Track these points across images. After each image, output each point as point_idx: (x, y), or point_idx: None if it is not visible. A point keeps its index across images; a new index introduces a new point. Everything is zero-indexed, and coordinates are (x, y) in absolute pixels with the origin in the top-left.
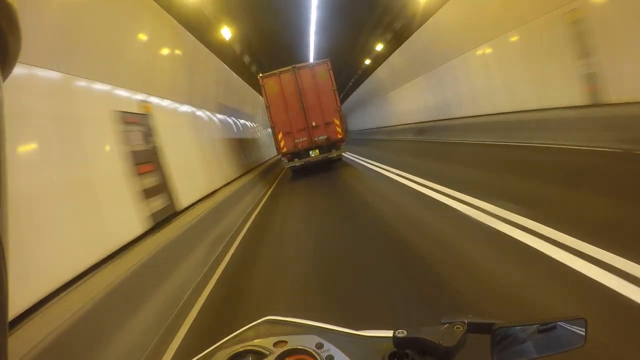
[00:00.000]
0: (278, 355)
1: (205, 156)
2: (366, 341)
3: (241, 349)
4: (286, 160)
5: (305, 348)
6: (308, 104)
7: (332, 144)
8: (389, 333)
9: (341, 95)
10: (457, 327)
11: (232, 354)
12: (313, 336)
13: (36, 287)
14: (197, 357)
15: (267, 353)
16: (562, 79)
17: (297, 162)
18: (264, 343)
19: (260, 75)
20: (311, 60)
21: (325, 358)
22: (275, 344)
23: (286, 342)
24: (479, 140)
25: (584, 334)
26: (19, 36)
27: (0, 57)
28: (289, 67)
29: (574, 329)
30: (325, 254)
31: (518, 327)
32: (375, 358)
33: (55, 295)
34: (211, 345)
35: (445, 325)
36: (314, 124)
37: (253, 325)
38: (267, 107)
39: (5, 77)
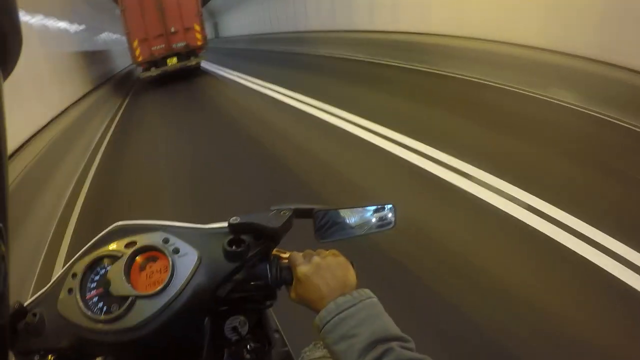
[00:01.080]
0: (130, 254)
1: None
2: (207, 232)
3: (96, 256)
4: (142, 70)
5: (153, 244)
6: (166, 8)
7: (191, 51)
8: (226, 223)
9: None
10: (283, 212)
11: (89, 262)
12: (160, 233)
13: None
14: (58, 275)
15: (120, 255)
16: None
17: (153, 72)
18: (116, 246)
19: None
20: None
21: (172, 250)
22: (126, 246)
23: (135, 242)
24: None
25: (393, 217)
26: (19, 36)
27: (0, 57)
28: None
29: (384, 213)
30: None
31: (337, 211)
32: (217, 245)
33: None
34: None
35: (274, 211)
36: (172, 29)
37: (103, 234)
38: (121, 11)
39: (5, 77)
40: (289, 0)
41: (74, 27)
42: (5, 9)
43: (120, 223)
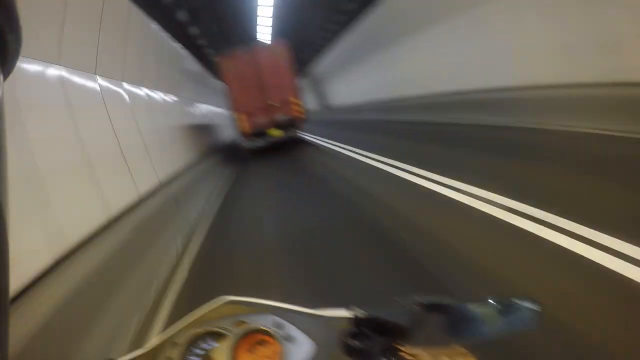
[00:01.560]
0: (239, 335)
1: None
2: (324, 320)
3: (200, 331)
4: (246, 140)
5: (265, 328)
6: (266, 84)
7: (291, 123)
8: (346, 313)
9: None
10: (414, 307)
11: (191, 336)
12: (272, 316)
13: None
14: (156, 339)
15: (227, 334)
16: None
17: (256, 142)
18: (223, 324)
19: (219, 56)
20: (269, 41)
21: (285, 337)
22: (235, 324)
23: (245, 322)
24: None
25: (537, 314)
26: (19, 35)
27: (0, 57)
28: (247, 48)
29: (527, 309)
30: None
31: (473, 306)
32: (333, 337)
33: None
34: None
35: (403, 305)
36: (272, 103)
37: (210, 307)
38: (227, 88)
39: (5, 77)
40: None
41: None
42: (5, 9)
43: (229, 298)
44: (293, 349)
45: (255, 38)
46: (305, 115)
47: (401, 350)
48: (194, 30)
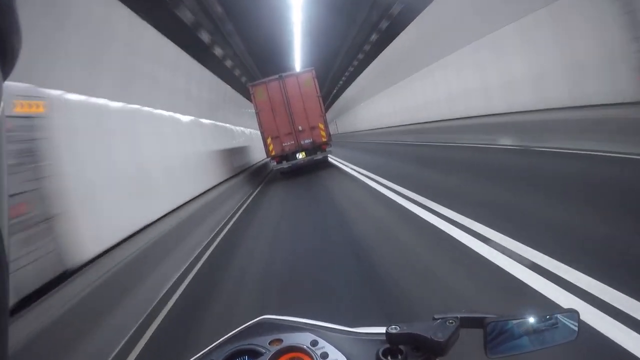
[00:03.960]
0: (273, 354)
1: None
2: (360, 338)
3: (237, 349)
4: (275, 163)
5: (301, 346)
6: (294, 110)
7: (317, 147)
8: (382, 329)
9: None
10: (449, 322)
11: (227, 354)
12: (308, 334)
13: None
14: (197, 356)
15: (263, 352)
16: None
17: (284, 164)
18: (259, 342)
19: (250, 84)
20: (297, 69)
21: (320, 355)
22: (270, 343)
23: (281, 340)
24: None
25: (576, 327)
26: (19, 36)
27: (0, 57)
28: (277, 76)
29: (565, 322)
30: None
31: (510, 321)
32: (369, 354)
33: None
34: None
35: (438, 321)
36: (300, 128)
37: (248, 325)
38: (257, 113)
39: (5, 77)
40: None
41: (218, 130)
42: (5, 9)
43: (266, 317)
44: None
45: (286, 66)
46: (330, 140)
47: None
48: (228, 62)
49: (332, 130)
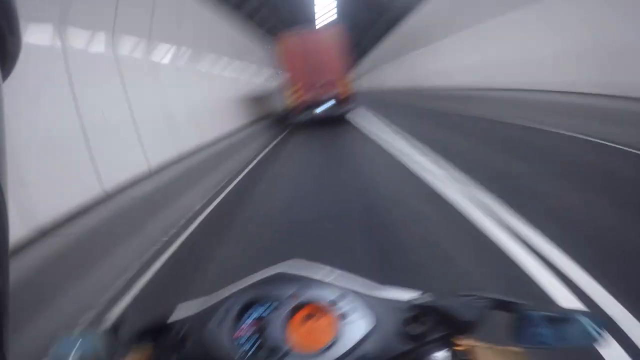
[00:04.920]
0: (291, 309)
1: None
2: (384, 300)
3: (257, 295)
4: (295, 114)
5: (320, 302)
6: (318, 64)
7: (338, 102)
8: (410, 295)
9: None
10: (478, 301)
11: (248, 298)
12: (330, 290)
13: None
14: (212, 297)
15: (282, 301)
16: None
17: (305, 116)
18: (278, 293)
19: (275, 35)
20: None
21: (341, 312)
22: (292, 294)
23: (301, 293)
24: None
25: (600, 330)
26: (19, 36)
27: (0, 57)
28: (303, 29)
29: (592, 326)
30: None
31: (540, 312)
32: (391, 319)
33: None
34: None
35: (466, 298)
36: (323, 82)
37: (271, 272)
38: (280, 64)
39: (5, 77)
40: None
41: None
42: (5, 11)
43: (290, 262)
44: (348, 326)
45: (313, 20)
46: (352, 95)
47: (457, 343)
48: (260, 15)
49: (367, 84)
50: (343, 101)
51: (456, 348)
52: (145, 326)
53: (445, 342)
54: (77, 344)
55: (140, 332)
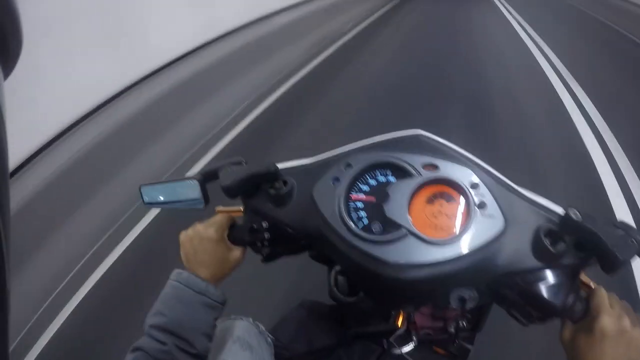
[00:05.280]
0: (427, 181)
1: None
2: (527, 204)
3: (383, 159)
4: None
5: (459, 182)
6: None
7: None
8: (560, 209)
9: None
10: (632, 241)
11: (373, 161)
12: (469, 171)
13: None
14: (328, 153)
15: (413, 173)
16: None
17: None
18: (411, 160)
19: None
20: None
21: (478, 202)
22: (425, 166)
23: (437, 167)
24: None
25: None
26: (19, 36)
27: (0, 57)
28: None
29: None
30: None
31: None
32: (530, 226)
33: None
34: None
35: (622, 234)
36: None
37: (401, 136)
38: None
39: (5, 77)
40: None
41: None
42: (6, 8)
43: (422, 133)
44: (481, 219)
45: None
46: None
47: (582, 278)
48: None
49: None
50: None
51: (581, 280)
52: (243, 176)
53: (574, 270)
54: (165, 190)
55: (237, 181)
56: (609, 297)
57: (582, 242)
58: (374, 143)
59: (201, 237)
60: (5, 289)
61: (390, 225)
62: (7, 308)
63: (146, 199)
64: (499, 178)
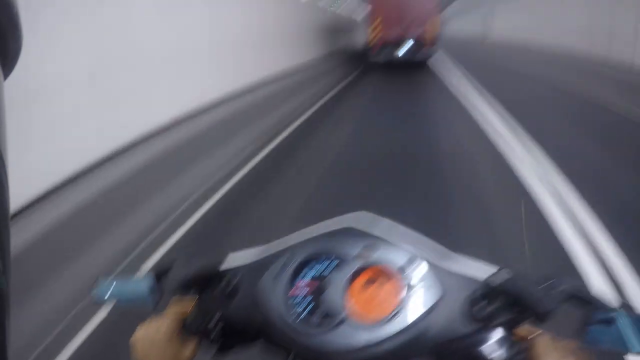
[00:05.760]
0: (362, 267)
1: None
2: (456, 274)
3: (323, 250)
4: (373, 54)
5: (390, 266)
6: (407, 2)
7: (421, 46)
8: (484, 270)
9: None
10: (557, 290)
11: (312, 251)
12: (402, 252)
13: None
14: (272, 245)
15: (349, 259)
16: None
17: (382, 57)
18: (347, 248)
19: None
20: None
21: (406, 284)
22: (359, 253)
23: (371, 252)
24: None
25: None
26: (19, 36)
27: (0, 57)
28: None
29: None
30: None
31: (625, 317)
32: (460, 296)
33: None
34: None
35: (544, 285)
36: (408, 21)
37: (336, 225)
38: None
39: (5, 77)
40: None
41: None
42: (5, 8)
43: (358, 214)
44: (413, 297)
45: None
46: (436, 41)
47: (518, 330)
48: None
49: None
50: (426, 45)
51: (516, 334)
52: (191, 274)
53: (507, 327)
54: (118, 287)
55: (186, 279)
56: (552, 342)
57: (513, 301)
58: (316, 233)
59: (152, 339)
60: (5, 289)
61: (329, 316)
62: (7, 309)
63: (98, 295)
64: (437, 248)
